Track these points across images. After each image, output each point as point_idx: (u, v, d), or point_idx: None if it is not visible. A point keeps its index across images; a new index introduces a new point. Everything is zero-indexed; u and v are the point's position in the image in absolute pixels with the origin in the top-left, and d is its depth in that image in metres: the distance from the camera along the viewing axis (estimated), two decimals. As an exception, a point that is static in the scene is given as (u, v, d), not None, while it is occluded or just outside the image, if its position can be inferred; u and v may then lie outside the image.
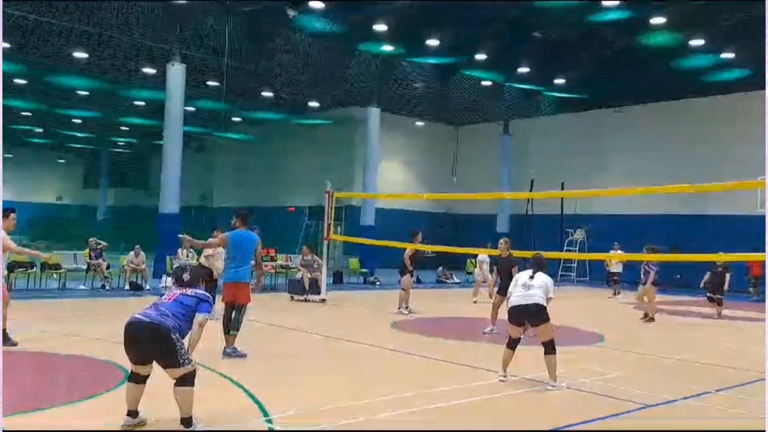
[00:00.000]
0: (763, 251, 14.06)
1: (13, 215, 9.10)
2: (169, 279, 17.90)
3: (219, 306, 9.30)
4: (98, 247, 18.08)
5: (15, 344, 8.84)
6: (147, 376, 5.59)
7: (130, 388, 5.59)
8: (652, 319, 14.94)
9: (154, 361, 5.53)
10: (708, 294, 16.48)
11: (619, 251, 20.41)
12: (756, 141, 24.32)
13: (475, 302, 17.26)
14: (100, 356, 8.50)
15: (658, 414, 6.87)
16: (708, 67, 22.90)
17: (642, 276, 15.39)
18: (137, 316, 5.52)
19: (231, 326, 8.91)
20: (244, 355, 8.80)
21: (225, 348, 8.84)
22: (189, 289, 5.89)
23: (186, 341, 5.63)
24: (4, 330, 8.67)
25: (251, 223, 9.58)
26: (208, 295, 5.99)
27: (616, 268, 21.48)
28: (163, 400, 5.67)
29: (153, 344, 5.41)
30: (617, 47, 21.22)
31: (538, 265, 8.17)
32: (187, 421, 5.45)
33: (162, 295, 6.03)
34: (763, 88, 24.18)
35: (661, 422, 6.69)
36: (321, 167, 29.01)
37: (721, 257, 14.93)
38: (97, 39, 20.99)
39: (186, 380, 5.41)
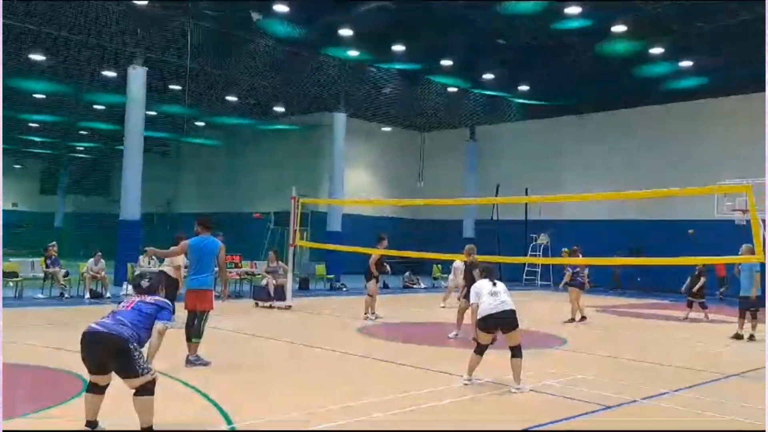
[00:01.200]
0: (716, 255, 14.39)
1: None
2: (131, 287, 17.54)
3: (181, 314, 9.13)
4: (53, 252, 17.62)
5: None
6: (106, 386, 5.47)
7: (88, 399, 5.46)
8: (572, 320, 15.06)
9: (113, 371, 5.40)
10: (688, 298, 16.66)
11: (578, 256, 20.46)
12: (714, 147, 25.05)
13: (443, 307, 17.27)
14: (57, 366, 8.29)
15: (619, 415, 6.95)
16: (667, 74, 23.33)
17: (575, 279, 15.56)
18: (93, 325, 5.38)
19: (193, 334, 8.75)
20: (207, 363, 8.65)
21: (188, 356, 8.69)
22: (148, 297, 5.74)
23: (145, 350, 5.50)
24: None
25: (214, 229, 9.43)
26: (168, 302, 5.85)
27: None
28: (124, 409, 5.53)
29: (110, 354, 5.28)
30: (580, 55, 21.50)
31: (492, 273, 8.30)
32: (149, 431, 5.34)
33: (121, 302, 5.86)
34: (721, 95, 24.93)
35: (629, 423, 6.74)
36: (287, 173, 28.86)
37: (699, 261, 15.12)
38: (56, 41, 20.55)
39: (146, 390, 5.28)
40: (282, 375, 8.50)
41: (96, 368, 5.38)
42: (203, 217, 9.42)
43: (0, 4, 6.25)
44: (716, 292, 22.66)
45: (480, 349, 7.96)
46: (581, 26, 19.34)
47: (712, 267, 16.86)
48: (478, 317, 7.93)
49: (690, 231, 19.19)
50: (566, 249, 16.27)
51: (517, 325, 7.86)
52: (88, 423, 5.43)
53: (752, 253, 11.69)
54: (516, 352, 7.80)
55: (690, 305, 16.39)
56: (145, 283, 5.85)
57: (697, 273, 16.31)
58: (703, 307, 16.26)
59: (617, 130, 28.48)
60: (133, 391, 5.29)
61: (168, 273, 12.15)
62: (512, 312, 7.86)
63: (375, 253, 14.70)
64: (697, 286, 16.21)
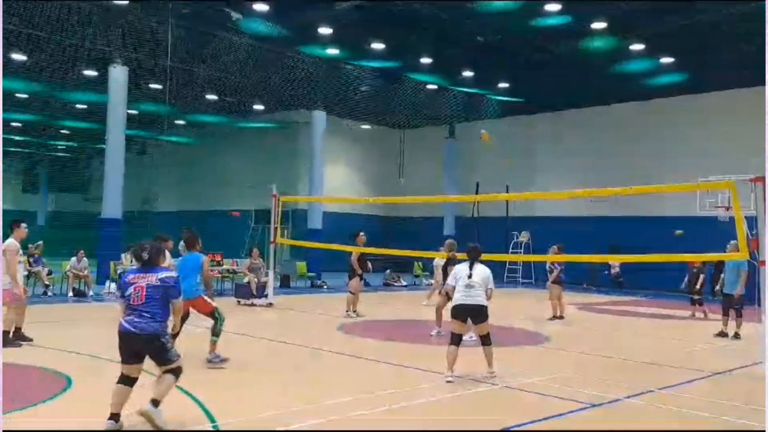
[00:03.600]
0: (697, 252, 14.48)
1: (23, 225, 9.91)
2: (114, 285, 17.66)
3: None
4: (36, 251, 17.61)
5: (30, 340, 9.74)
6: (136, 380, 5.81)
7: (118, 390, 5.72)
8: (561, 317, 15.11)
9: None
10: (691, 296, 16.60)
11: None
12: (693, 144, 25.32)
13: (425, 305, 17.36)
14: (42, 364, 8.35)
15: (605, 413, 6.96)
16: (647, 71, 23.52)
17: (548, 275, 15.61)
18: (126, 326, 5.74)
19: (212, 332, 8.97)
20: (225, 360, 8.86)
21: (208, 356, 8.88)
22: (152, 276, 5.90)
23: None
24: (5, 332, 9.48)
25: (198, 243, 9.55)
26: (173, 275, 6.07)
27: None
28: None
29: (146, 349, 5.79)
30: (559, 52, 21.70)
31: (475, 257, 8.55)
32: (156, 403, 5.68)
33: (128, 290, 5.87)
34: (699, 91, 25.21)
35: (616, 421, 6.81)
36: (266, 171, 28.80)
37: (685, 258, 15.07)
38: (37, 41, 20.43)
39: (173, 372, 5.83)
40: (264, 373, 8.57)
41: (132, 359, 5.78)
42: (187, 235, 9.53)
43: (0, 5, 6.31)
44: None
45: (455, 340, 8.23)
46: (560, 23, 19.49)
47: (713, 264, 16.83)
48: (451, 305, 8.37)
49: (678, 232, 19.32)
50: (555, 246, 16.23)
51: (484, 319, 8.25)
52: (112, 416, 5.62)
53: (738, 250, 11.80)
54: (486, 340, 8.31)
55: (695, 303, 16.39)
56: (145, 255, 5.99)
57: (695, 271, 16.31)
58: (700, 304, 16.34)
59: (597, 127, 28.70)
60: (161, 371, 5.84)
61: None
62: (480, 306, 8.21)
63: (354, 250, 14.81)
64: (699, 284, 16.14)
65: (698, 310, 16.45)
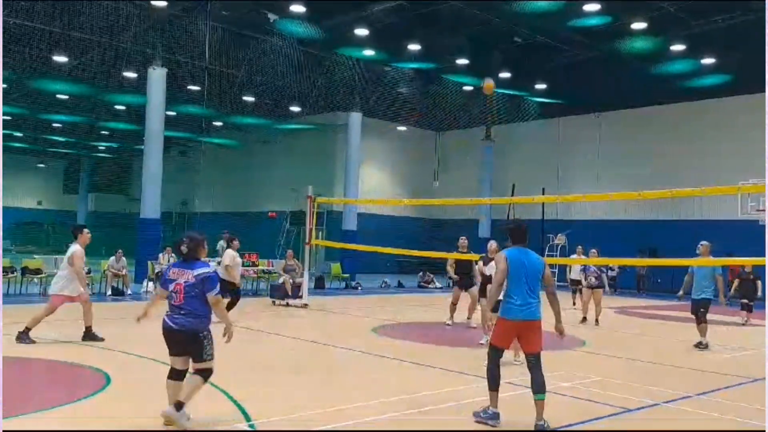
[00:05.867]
0: (735, 256, 14.09)
1: (86, 230, 10.35)
2: (151, 284, 17.89)
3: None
4: None
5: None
6: (184, 372, 5.85)
7: (168, 384, 5.87)
8: (597, 321, 14.77)
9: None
10: (742, 301, 16.10)
11: (582, 256, 19.45)
12: (734, 146, 24.76)
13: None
14: (82, 362, 8.46)
15: (639, 418, 6.86)
16: (688, 72, 23.14)
17: (594, 280, 15.06)
18: (169, 322, 5.80)
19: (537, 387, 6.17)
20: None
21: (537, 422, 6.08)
22: (189, 273, 5.81)
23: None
24: (88, 327, 10.17)
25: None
26: (208, 268, 5.92)
27: (575, 275, 18.43)
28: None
29: (186, 345, 5.80)
30: (598, 52, 21.43)
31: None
32: (179, 406, 5.68)
33: (169, 288, 5.85)
34: (742, 93, 24.65)
35: (648, 425, 6.69)
36: (303, 172, 28.99)
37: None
38: (78, 43, 20.85)
39: (202, 373, 5.79)
40: (299, 373, 8.55)
41: (175, 352, 5.86)
42: (510, 224, 7.00)
43: (0, 5, 6.47)
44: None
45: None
46: (600, 23, 19.27)
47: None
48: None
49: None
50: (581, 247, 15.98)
51: None
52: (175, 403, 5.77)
53: (710, 252, 11.33)
54: None
55: (750, 309, 15.99)
56: (184, 249, 5.95)
57: (752, 277, 15.92)
58: (749, 310, 16.00)
59: (635, 129, 28.28)
60: (192, 371, 5.80)
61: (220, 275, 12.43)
62: None
63: (449, 257, 14.21)
64: (758, 290, 15.85)
65: (743, 315, 16.09)
